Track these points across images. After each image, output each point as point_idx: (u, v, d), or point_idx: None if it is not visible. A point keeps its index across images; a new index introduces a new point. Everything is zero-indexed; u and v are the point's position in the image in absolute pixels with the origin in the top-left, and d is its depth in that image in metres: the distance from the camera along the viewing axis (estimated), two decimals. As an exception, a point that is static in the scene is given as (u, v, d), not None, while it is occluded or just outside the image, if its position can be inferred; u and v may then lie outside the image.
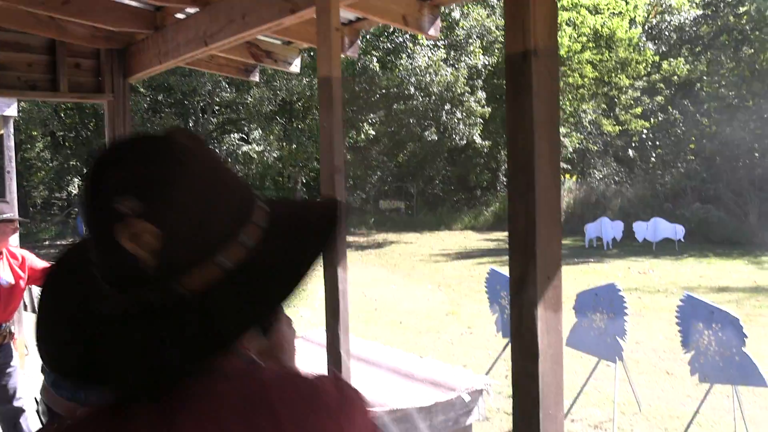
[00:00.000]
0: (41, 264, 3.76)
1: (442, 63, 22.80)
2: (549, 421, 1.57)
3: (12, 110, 6.95)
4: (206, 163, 0.76)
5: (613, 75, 25.69)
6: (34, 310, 8.96)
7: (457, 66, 23.56)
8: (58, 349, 0.76)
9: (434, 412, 2.52)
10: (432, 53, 22.29)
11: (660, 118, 23.57)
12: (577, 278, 11.57)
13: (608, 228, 16.31)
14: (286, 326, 0.96)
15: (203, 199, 0.72)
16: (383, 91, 22.62)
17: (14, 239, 3.75)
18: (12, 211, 3.71)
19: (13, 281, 3.63)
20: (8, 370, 3.75)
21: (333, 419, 0.74)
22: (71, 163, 24.07)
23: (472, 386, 2.64)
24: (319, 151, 2.27)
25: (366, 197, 26.39)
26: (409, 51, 21.95)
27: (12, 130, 7.10)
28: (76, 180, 25.35)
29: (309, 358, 3.12)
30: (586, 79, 25.27)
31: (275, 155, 24.37)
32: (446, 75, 22.53)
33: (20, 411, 3.84)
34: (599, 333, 4.78)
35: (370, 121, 23.28)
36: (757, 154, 19.52)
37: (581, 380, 5.54)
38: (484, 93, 24.30)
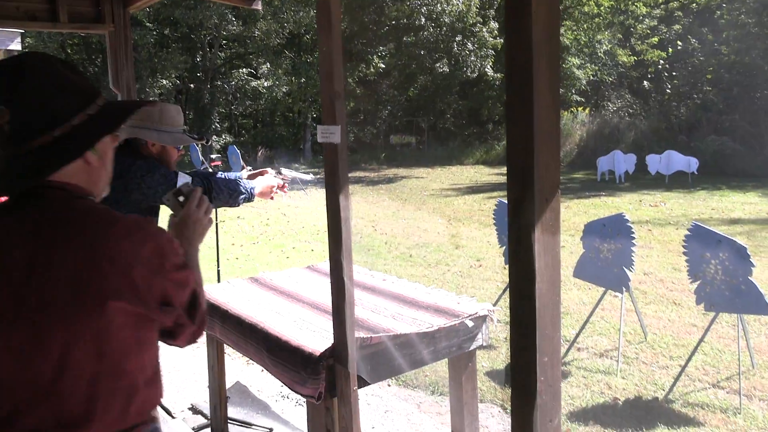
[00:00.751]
0: None
1: (453, -8, 22.20)
2: (546, 342, 1.59)
3: (16, 44, 6.88)
4: (48, 75, 1.29)
5: (629, 3, 24.93)
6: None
7: (469, -5, 22.93)
8: None
9: (437, 338, 2.56)
10: (443, -19, 21.67)
11: (678, 48, 22.95)
12: (587, 211, 11.54)
13: (621, 161, 16.14)
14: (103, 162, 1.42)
15: (40, 96, 1.27)
16: (393, 22, 22.13)
17: None
18: None
19: None
20: None
21: (128, 240, 1.27)
22: (80, 100, 23.96)
23: (476, 312, 2.67)
24: (320, 77, 2.23)
25: (376, 132, 26.20)
26: (419, -21, 21.34)
27: (17, 65, 7.04)
28: (85, 117, 25.33)
29: (315, 287, 3.17)
30: (601, 8, 24.54)
31: (284, 90, 24.13)
32: (458, 4, 21.96)
33: None
34: (606, 263, 4.80)
35: (379, 53, 22.88)
36: (776, 84, 19.08)
37: (588, 310, 5.61)
38: (496, 23, 23.72)
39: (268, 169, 3.05)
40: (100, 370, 1.26)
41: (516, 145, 1.57)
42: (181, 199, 1.73)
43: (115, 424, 1.31)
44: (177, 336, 1.45)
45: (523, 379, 1.64)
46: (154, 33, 22.34)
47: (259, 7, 4.28)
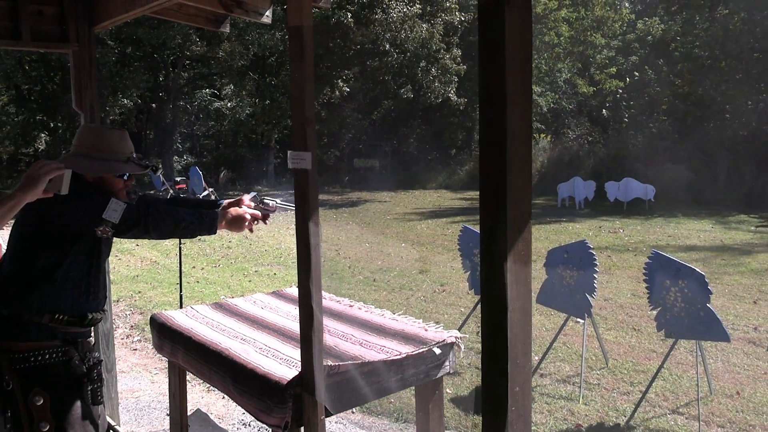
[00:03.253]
0: None
1: (417, 19, 22.48)
2: (517, 371, 1.59)
3: (-27, 61, 6.70)
4: None
5: (588, 34, 25.62)
6: None
7: (432, 22, 23.27)
8: None
9: (405, 366, 2.54)
10: (407, 8, 21.95)
11: (635, 78, 23.62)
12: (549, 237, 11.70)
13: (581, 188, 16.46)
14: None
15: None
16: (358, 47, 22.29)
17: None
18: None
19: None
20: None
21: None
22: (37, 117, 23.46)
23: (443, 339, 2.67)
24: (290, 103, 2.23)
25: (340, 155, 26.24)
26: (384, 5, 21.57)
27: (-27, 82, 6.86)
28: (42, 135, 24.77)
29: (281, 313, 3.13)
30: (561, 38, 25.16)
31: (248, 112, 24.02)
32: (422, 31, 22.26)
33: None
34: (569, 290, 4.85)
35: (344, 77, 22.98)
36: (728, 116, 19.73)
37: (550, 336, 5.65)
38: (459, 50, 24.10)
39: (245, 197, 2.75)
40: None
41: (489, 173, 1.57)
42: None
43: None
44: None
45: (495, 409, 1.63)
46: (116, 51, 22.06)
47: (227, 29, 4.27)
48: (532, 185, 1.62)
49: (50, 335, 2.31)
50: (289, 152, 2.19)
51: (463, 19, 24.45)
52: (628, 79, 24.28)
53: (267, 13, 3.94)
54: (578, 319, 5.74)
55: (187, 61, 25.12)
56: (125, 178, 2.48)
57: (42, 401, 2.24)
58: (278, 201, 3.07)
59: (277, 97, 23.29)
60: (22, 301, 2.27)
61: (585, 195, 16.50)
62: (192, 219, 2.41)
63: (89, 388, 2.36)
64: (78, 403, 2.33)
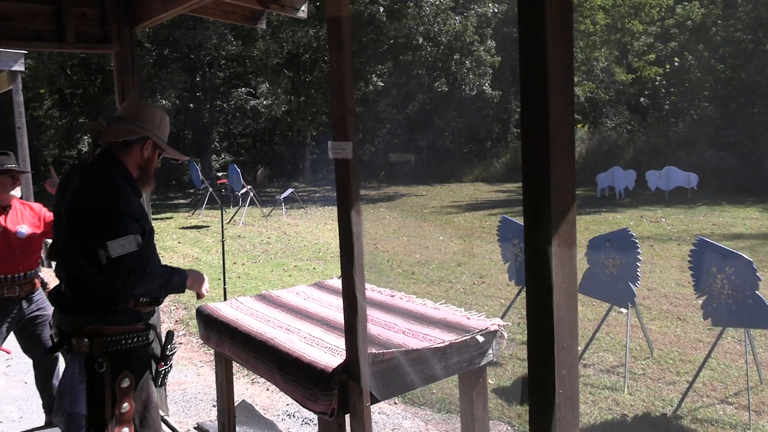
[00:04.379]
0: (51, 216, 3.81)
1: (450, 11, 22.36)
2: (564, 354, 1.59)
3: (19, 65, 6.93)
4: None
5: (626, 21, 25.14)
6: (50, 265, 9.08)
7: (465, 14, 23.11)
8: None
9: (448, 354, 2.55)
10: (440, 1, 21.84)
11: (675, 64, 23.11)
12: (588, 227, 11.55)
13: (620, 177, 16.19)
14: None
15: None
16: (391, 41, 22.28)
17: (17, 192, 3.76)
18: (13, 163, 3.72)
19: (27, 232, 3.69)
20: (41, 320, 3.80)
21: None
22: (80, 120, 24.01)
23: (486, 327, 2.66)
24: (330, 94, 2.25)
25: (375, 150, 26.28)
26: (416, -1, 21.51)
27: (20, 86, 7.09)
28: (85, 138, 25.36)
29: (323, 303, 3.16)
30: (597, 26, 24.75)
31: (284, 109, 24.22)
32: (455, 24, 22.13)
33: (54, 361, 3.91)
34: (611, 279, 4.79)
35: (378, 72, 23.00)
36: (772, 100, 19.19)
37: (593, 326, 5.59)
38: (494, 42, 23.89)
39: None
40: None
41: (532, 158, 1.57)
42: None
43: None
44: None
45: (542, 393, 1.63)
46: (154, 53, 22.46)
47: (264, 25, 4.32)
48: (575, 168, 1.61)
49: (136, 318, 2.43)
50: (330, 143, 2.21)
51: (496, 10, 24.24)
52: (667, 65, 23.77)
53: (303, 8, 3.97)
54: (621, 309, 5.67)
55: (223, 61, 25.42)
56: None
57: (128, 383, 2.36)
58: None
59: (312, 94, 23.44)
60: (111, 288, 2.33)
61: (625, 185, 16.22)
62: (173, 279, 2.47)
63: (162, 371, 2.49)
64: (152, 386, 2.47)
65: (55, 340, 2.44)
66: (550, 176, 1.53)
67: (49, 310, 3.84)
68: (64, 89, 23.78)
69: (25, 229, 3.69)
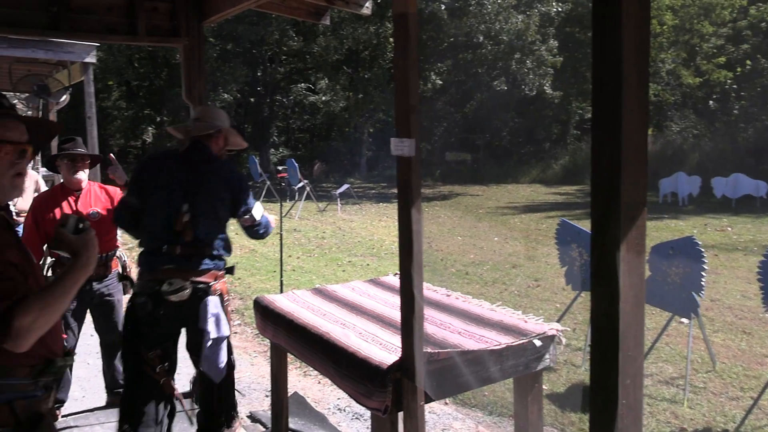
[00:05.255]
0: None
1: (512, 10, 22.08)
2: (628, 363, 1.54)
3: (91, 57, 7.17)
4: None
5: (695, 22, 24.32)
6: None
7: (528, 13, 22.79)
8: None
9: (504, 356, 2.51)
10: (502, -1, 21.61)
11: (746, 68, 22.21)
12: (649, 234, 11.12)
13: (684, 183, 15.67)
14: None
15: None
16: (451, 39, 22.17)
17: (82, 175, 3.86)
18: (80, 148, 3.83)
19: (100, 215, 3.79)
20: (112, 301, 3.91)
21: None
22: (145, 112, 24.75)
23: (544, 331, 2.62)
24: (394, 90, 2.24)
25: (432, 149, 26.20)
26: (479, -3, 21.32)
27: (91, 78, 7.34)
28: (150, 129, 26.14)
29: (379, 300, 3.16)
30: (665, 27, 24.02)
31: (342, 105, 24.39)
32: (517, 22, 21.84)
33: (119, 346, 4.01)
34: (674, 288, 4.64)
35: (437, 70, 22.91)
36: None
37: (652, 336, 5.43)
38: (556, 42, 23.49)
39: None
40: None
41: (602, 160, 1.53)
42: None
43: None
44: None
45: (604, 402, 1.58)
46: (218, 48, 22.95)
47: (328, 21, 4.34)
48: (647, 172, 1.55)
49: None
50: (392, 139, 2.20)
51: (560, 9, 23.82)
52: (738, 68, 22.88)
53: (367, 4, 3.98)
54: (683, 319, 5.49)
55: (284, 57, 25.79)
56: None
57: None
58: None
59: (370, 91, 23.53)
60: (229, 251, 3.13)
61: (689, 191, 15.69)
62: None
63: None
64: None
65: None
66: (620, 179, 1.49)
67: (119, 294, 3.96)
68: (132, 81, 24.55)
69: (97, 212, 3.79)
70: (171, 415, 3.06)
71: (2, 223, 1.75)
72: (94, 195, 3.87)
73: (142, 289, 2.96)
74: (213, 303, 2.96)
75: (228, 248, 3.11)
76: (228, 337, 3.03)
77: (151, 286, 2.91)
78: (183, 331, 3.07)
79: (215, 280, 3.02)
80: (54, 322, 1.73)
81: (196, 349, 3.01)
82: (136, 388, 2.96)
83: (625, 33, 1.43)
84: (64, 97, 8.20)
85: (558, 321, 5.68)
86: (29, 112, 10.96)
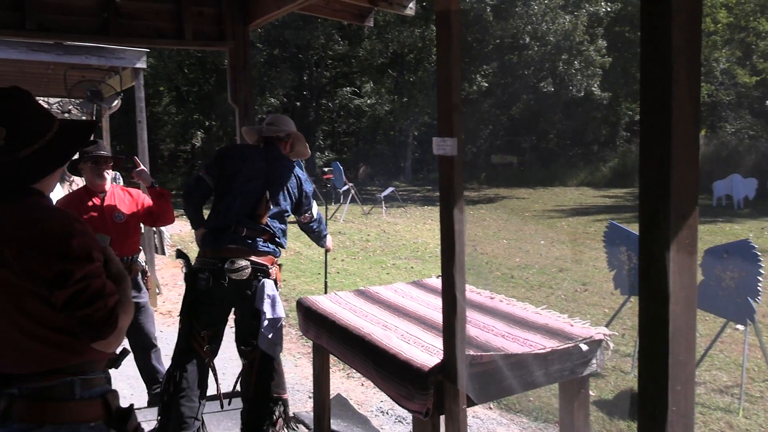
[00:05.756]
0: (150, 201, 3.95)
1: (559, 10, 21.77)
2: (679, 369, 1.48)
3: (142, 63, 7.33)
4: (26, 102, 1.70)
5: (751, 19, 23.54)
6: (163, 252, 9.58)
7: (576, 13, 22.43)
8: None
9: (550, 361, 2.45)
10: (549, 0, 21.31)
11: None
12: (702, 237, 10.88)
13: (740, 186, 15.17)
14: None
15: (23, 119, 1.66)
16: (497, 41, 21.98)
17: (104, 178, 3.88)
18: (103, 150, 3.83)
19: (124, 218, 3.80)
20: (138, 303, 3.91)
21: (53, 238, 1.58)
22: (194, 116, 25.23)
23: (591, 336, 2.55)
24: (437, 89, 2.21)
25: (477, 151, 26.02)
26: (525, -2, 21.10)
27: (142, 83, 7.50)
28: (198, 133, 26.64)
29: (422, 302, 3.14)
30: (719, 25, 23.33)
31: (386, 109, 24.43)
32: (564, 23, 21.52)
33: (151, 346, 4.09)
34: (728, 293, 4.48)
35: (482, 72, 22.74)
36: None
37: (705, 342, 5.26)
38: (605, 42, 23.06)
39: None
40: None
41: (651, 157, 1.47)
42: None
43: None
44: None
45: (653, 409, 1.52)
46: (264, 53, 23.27)
47: (371, 23, 4.34)
48: (699, 169, 1.49)
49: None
50: (434, 138, 2.18)
51: (609, 9, 23.37)
52: (798, 67, 22.07)
53: (410, 5, 3.96)
54: (738, 326, 5.30)
55: (329, 61, 25.97)
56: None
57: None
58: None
59: (415, 94, 23.49)
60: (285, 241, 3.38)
61: (745, 194, 15.17)
62: None
63: None
64: None
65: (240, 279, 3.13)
66: (670, 176, 1.43)
67: (145, 297, 4.02)
68: (181, 87, 25.07)
69: (122, 214, 3.81)
70: (203, 395, 3.24)
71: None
72: (118, 197, 3.87)
73: (204, 265, 3.16)
74: (269, 285, 3.14)
75: (285, 238, 3.35)
76: (281, 320, 3.18)
77: (213, 263, 3.13)
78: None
79: (272, 265, 3.22)
80: None
81: (249, 331, 3.15)
82: (181, 359, 3.18)
83: (675, 24, 1.37)
84: (116, 102, 8.41)
85: (606, 326, 5.55)
86: (83, 117, 11.30)
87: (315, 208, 3.56)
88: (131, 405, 1.80)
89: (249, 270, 3.10)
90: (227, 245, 3.14)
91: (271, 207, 3.25)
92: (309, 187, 3.52)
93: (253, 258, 3.14)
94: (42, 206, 1.68)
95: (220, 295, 3.14)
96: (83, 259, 1.60)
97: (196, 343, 3.16)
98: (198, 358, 3.17)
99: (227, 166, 3.30)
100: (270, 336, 3.12)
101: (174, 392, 3.16)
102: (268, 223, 3.23)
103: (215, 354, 3.28)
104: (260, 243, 3.19)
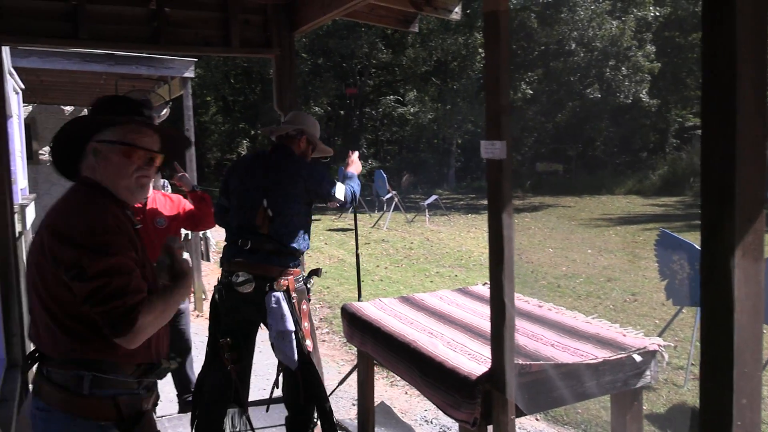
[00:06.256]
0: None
1: (606, 15, 21.43)
2: (744, 381, 1.40)
3: (190, 72, 7.47)
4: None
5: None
6: (209, 258, 9.71)
7: (623, 18, 22.04)
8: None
9: (601, 371, 2.37)
10: (596, 5, 20.99)
11: None
12: None
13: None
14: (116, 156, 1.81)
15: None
16: (542, 48, 21.76)
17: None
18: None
19: (166, 222, 3.80)
20: (179, 311, 3.93)
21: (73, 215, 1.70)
22: (240, 126, 25.63)
23: (644, 346, 2.45)
24: (484, 91, 2.17)
25: (522, 159, 25.74)
26: (570, 3, 20.81)
27: (190, 92, 7.64)
28: (244, 142, 27.05)
29: (468, 309, 3.08)
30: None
31: (430, 117, 24.38)
32: (611, 28, 21.17)
33: (186, 352, 4.10)
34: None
35: (527, 80, 22.52)
36: None
37: None
38: (653, 47, 22.59)
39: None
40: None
41: (713, 158, 1.40)
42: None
43: None
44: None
45: (716, 425, 1.45)
46: (309, 63, 23.51)
47: (416, 28, 4.32)
48: (766, 168, 1.41)
49: (300, 264, 3.31)
50: (482, 141, 2.13)
51: (658, 13, 22.91)
52: None
53: (456, 9, 3.92)
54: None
55: (373, 69, 26.09)
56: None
57: (306, 308, 3.21)
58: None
59: (459, 102, 23.40)
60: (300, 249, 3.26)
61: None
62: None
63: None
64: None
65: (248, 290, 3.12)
66: (735, 177, 1.36)
67: (186, 302, 4.06)
68: (228, 96, 25.51)
69: (163, 219, 3.83)
70: (228, 402, 3.25)
71: (129, 222, 1.82)
72: (159, 202, 3.87)
73: (220, 279, 3.25)
74: (275, 297, 3.08)
75: (301, 240, 3.23)
76: (295, 332, 3.07)
77: (225, 277, 3.20)
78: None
79: (283, 275, 3.12)
80: (162, 326, 1.81)
81: (272, 343, 3.15)
82: (207, 367, 3.25)
83: (739, 16, 1.31)
84: (164, 110, 8.60)
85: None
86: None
87: (340, 192, 3.35)
88: (142, 411, 1.81)
89: (253, 283, 3.08)
90: (234, 259, 3.16)
91: (270, 214, 3.16)
92: (317, 181, 3.25)
93: (257, 272, 3.10)
94: (87, 198, 1.77)
95: (234, 307, 3.16)
96: (98, 252, 1.63)
97: (221, 352, 3.16)
98: (222, 367, 3.16)
99: (230, 182, 3.34)
100: (282, 348, 3.07)
101: (199, 400, 3.22)
102: (274, 232, 3.15)
103: (240, 363, 3.22)
104: (266, 254, 3.13)
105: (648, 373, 2.51)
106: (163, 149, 1.91)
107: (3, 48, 4.13)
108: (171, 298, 1.80)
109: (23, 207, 5.44)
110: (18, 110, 7.20)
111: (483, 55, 23.14)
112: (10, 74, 5.87)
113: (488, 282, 2.21)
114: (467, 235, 13.23)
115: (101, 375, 1.70)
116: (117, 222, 1.71)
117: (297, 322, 3.09)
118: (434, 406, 2.46)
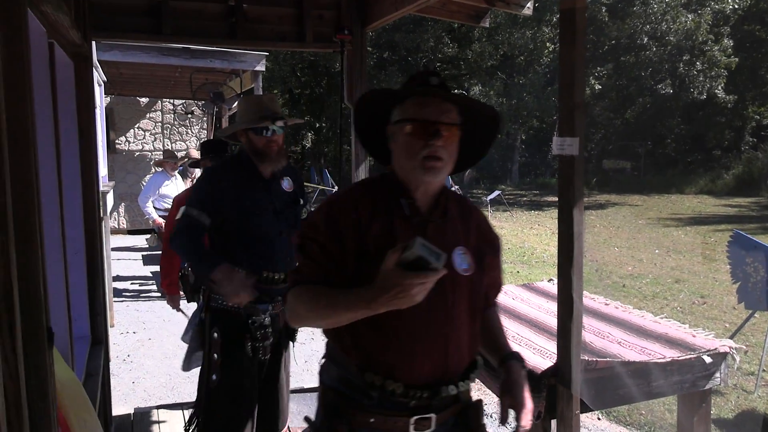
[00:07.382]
0: None
1: (681, 8, 20.72)
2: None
3: (261, 66, 7.68)
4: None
5: None
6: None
7: (699, 11, 21.26)
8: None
9: (669, 371, 2.36)
10: (671, -2, 20.34)
11: None
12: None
13: None
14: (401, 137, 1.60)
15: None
16: (612, 42, 21.23)
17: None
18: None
19: None
20: None
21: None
22: (305, 118, 26.00)
23: (715, 348, 2.42)
24: (558, 87, 2.18)
25: (588, 156, 25.20)
26: (643, -3, 20.23)
27: (260, 85, 7.84)
28: (309, 135, 27.43)
29: (532, 305, 3.09)
30: None
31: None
32: (686, 21, 20.46)
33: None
34: None
35: (596, 74, 22.02)
36: None
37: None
38: (731, 41, 21.71)
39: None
40: None
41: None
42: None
43: None
44: None
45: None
46: (374, 56, 23.63)
47: (487, 24, 4.33)
48: None
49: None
50: (555, 138, 2.15)
51: (736, 6, 21.99)
52: None
53: (528, 4, 3.91)
54: None
55: (439, 63, 25.99)
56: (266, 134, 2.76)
57: (215, 337, 2.61)
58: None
59: (524, 97, 23.08)
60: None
61: None
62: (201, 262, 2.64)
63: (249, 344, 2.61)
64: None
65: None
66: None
67: None
68: (294, 90, 25.91)
69: None
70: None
71: (397, 213, 1.60)
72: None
73: None
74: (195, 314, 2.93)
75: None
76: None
77: None
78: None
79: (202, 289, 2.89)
80: (323, 326, 1.62)
81: None
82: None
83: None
84: (236, 103, 8.85)
85: (728, 341, 5.24)
86: (205, 118, 11.94)
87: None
88: None
89: None
90: None
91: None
92: None
93: None
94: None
95: None
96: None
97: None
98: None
99: None
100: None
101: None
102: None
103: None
104: None
105: (717, 375, 2.48)
106: (467, 123, 1.65)
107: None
108: (329, 301, 1.50)
109: (104, 194, 5.72)
110: (100, 101, 7.56)
111: (551, 49, 22.80)
112: (95, 67, 6.17)
113: (553, 278, 2.23)
114: (530, 231, 13.10)
115: None
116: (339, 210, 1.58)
117: (204, 346, 2.73)
118: (496, 399, 2.49)
